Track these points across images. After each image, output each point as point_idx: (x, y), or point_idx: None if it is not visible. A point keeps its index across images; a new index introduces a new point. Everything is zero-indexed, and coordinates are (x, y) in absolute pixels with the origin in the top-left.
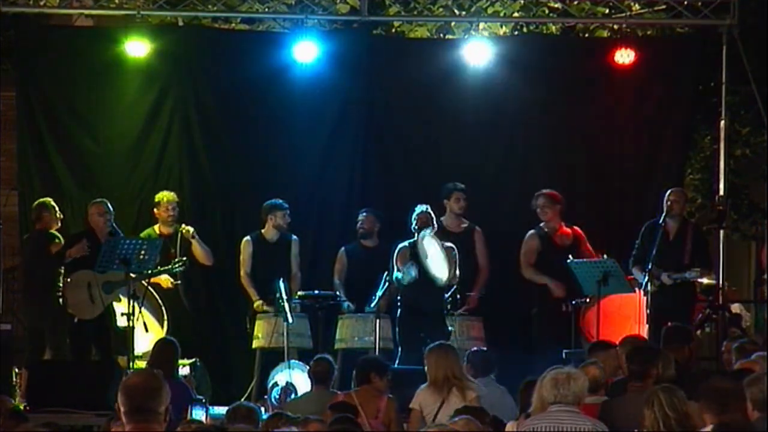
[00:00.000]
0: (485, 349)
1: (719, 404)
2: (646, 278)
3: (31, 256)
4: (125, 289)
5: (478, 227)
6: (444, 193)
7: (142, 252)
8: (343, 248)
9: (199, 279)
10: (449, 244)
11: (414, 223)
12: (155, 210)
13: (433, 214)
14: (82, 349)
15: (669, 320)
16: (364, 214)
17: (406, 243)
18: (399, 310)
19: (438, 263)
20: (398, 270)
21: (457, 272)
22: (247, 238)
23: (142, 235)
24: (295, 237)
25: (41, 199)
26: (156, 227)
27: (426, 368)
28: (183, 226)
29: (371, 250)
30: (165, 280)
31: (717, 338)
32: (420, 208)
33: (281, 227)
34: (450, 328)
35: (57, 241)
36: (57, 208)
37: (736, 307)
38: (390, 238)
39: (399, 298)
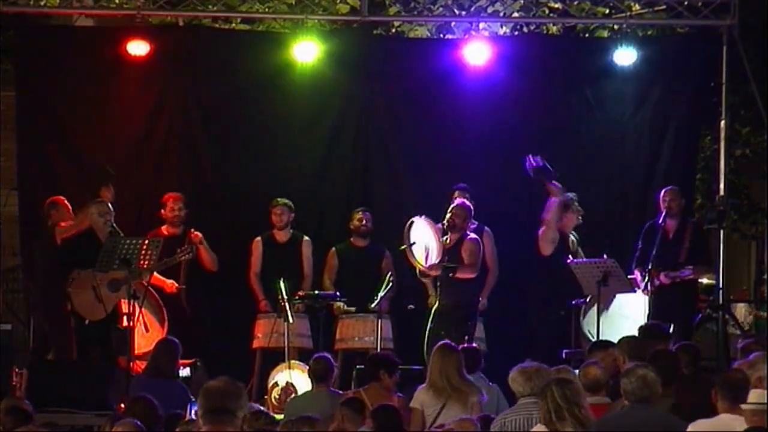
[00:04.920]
0: (474, 345)
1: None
2: (646, 278)
3: (40, 254)
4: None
5: (488, 228)
6: (448, 193)
7: (143, 251)
8: (333, 248)
9: (200, 284)
10: (437, 225)
11: (447, 216)
12: (161, 211)
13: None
14: (87, 350)
15: (670, 320)
16: (365, 213)
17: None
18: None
19: (419, 249)
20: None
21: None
22: (258, 238)
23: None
24: (307, 238)
25: (54, 197)
26: (163, 228)
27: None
28: (192, 231)
29: (363, 249)
30: (170, 284)
31: (717, 338)
32: (456, 202)
33: (276, 224)
34: (469, 324)
35: (59, 229)
36: (71, 208)
37: (741, 308)
38: (390, 237)
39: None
